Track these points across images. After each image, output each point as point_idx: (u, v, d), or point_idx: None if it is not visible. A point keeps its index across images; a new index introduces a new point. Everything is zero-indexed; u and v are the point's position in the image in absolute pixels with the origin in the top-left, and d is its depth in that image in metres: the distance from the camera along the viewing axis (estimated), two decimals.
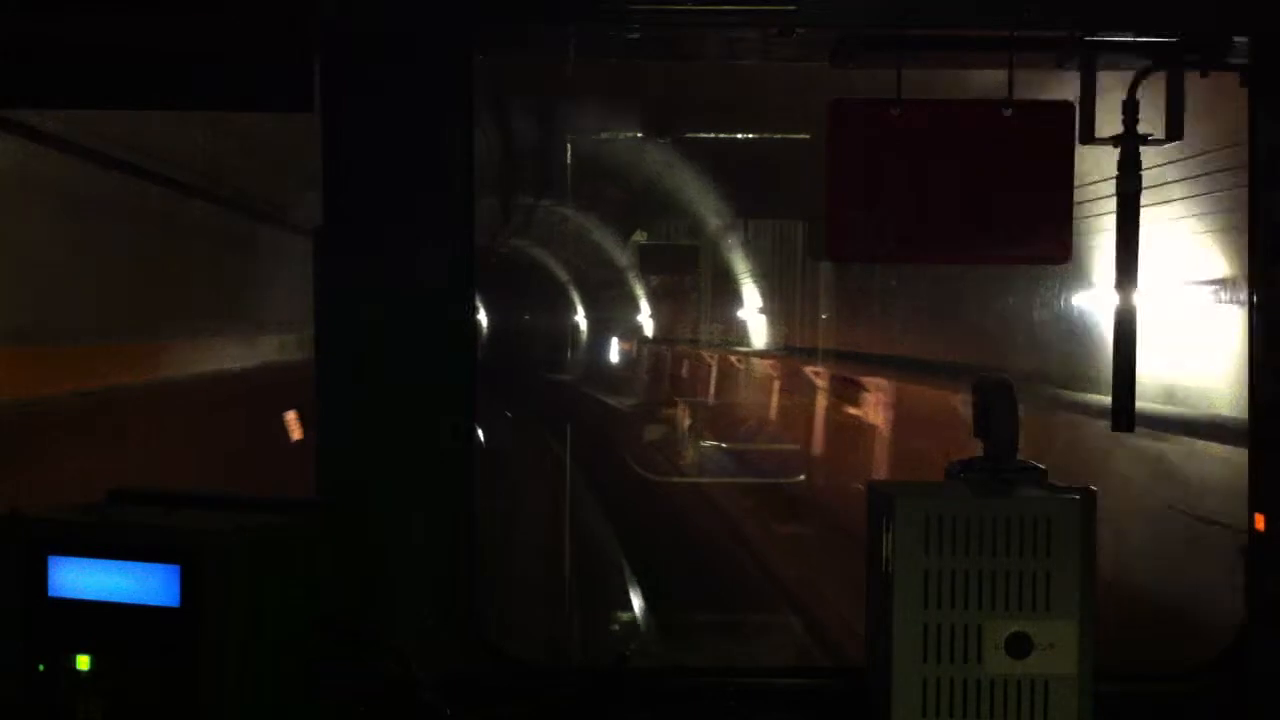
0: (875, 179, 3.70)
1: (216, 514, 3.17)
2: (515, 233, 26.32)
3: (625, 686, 3.83)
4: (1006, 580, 3.20)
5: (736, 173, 17.27)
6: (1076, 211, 3.73)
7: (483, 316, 31.04)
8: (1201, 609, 7.25)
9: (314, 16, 3.70)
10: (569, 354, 32.54)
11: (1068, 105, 3.73)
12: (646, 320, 28.13)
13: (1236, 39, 3.74)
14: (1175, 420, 8.52)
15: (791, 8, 3.65)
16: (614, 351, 30.85)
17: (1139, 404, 3.77)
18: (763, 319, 21.38)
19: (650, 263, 24.27)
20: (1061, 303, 10.85)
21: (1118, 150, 3.80)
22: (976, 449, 3.50)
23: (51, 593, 3.04)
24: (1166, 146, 3.84)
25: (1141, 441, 8.47)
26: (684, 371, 25.73)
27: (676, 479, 19.73)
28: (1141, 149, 3.80)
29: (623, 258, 26.11)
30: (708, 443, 20.91)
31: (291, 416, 12.47)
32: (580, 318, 32.14)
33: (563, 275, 31.05)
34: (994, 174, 3.69)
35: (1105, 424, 3.82)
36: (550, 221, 25.23)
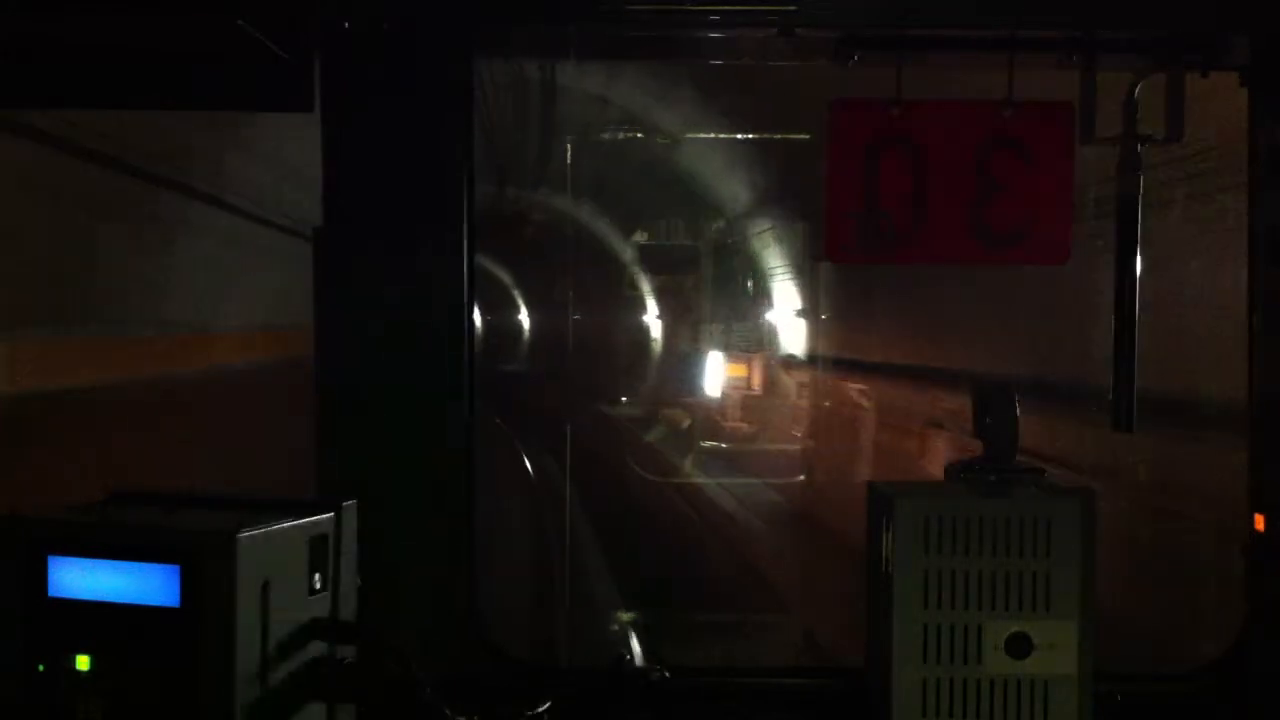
0: (875, 179, 3.70)
1: (216, 514, 3.17)
2: (553, 181, 17.16)
3: (625, 686, 3.83)
4: (1006, 580, 3.20)
5: None
6: None
7: (524, 318, 25.75)
8: None
9: (314, 16, 3.70)
10: (635, 379, 20.48)
11: (1068, 105, 3.73)
12: (791, 324, 14.73)
13: (1236, 39, 3.74)
14: None
15: (791, 8, 3.65)
16: (713, 380, 16.19)
17: None
18: None
19: (651, 264, 23.98)
20: None
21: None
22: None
23: (51, 593, 3.04)
24: None
25: None
26: None
27: None
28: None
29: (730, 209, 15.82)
30: None
31: None
32: (653, 317, 20.90)
33: (624, 250, 20.98)
34: (994, 174, 3.69)
35: None
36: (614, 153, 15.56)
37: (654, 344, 20.08)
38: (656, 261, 21.81)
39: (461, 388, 3.83)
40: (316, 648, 3.16)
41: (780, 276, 15.23)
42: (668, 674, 3.81)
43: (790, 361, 14.09)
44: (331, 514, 3.27)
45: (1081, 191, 3.83)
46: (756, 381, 13.64)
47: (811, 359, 13.55)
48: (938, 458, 10.22)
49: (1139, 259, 3.78)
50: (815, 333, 13.57)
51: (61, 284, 8.41)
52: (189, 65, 3.77)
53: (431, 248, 3.77)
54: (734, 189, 16.27)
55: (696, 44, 4.05)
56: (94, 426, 8.19)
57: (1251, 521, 3.82)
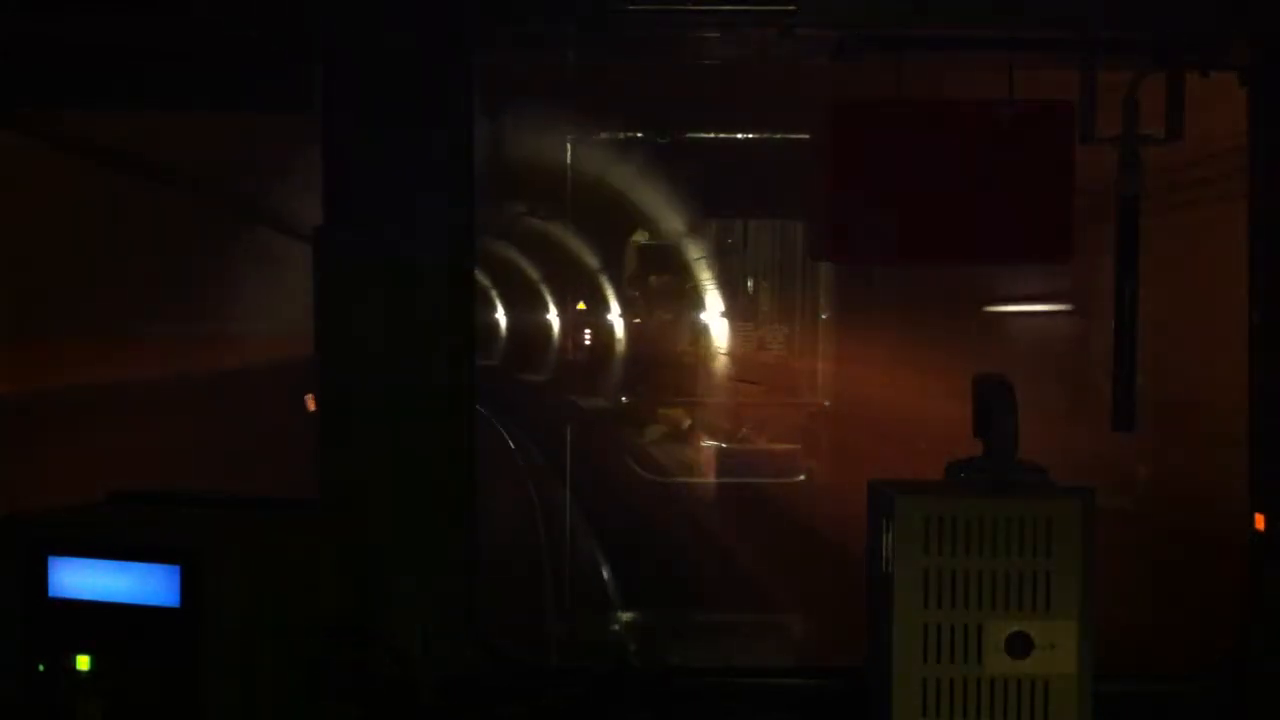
0: (875, 179, 3.70)
1: (216, 514, 3.17)
2: None
3: (625, 686, 3.83)
4: (1006, 580, 3.20)
5: None
6: None
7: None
8: None
9: (314, 16, 3.70)
10: None
11: (1068, 105, 3.73)
12: None
13: (1236, 39, 3.75)
14: None
15: (791, 8, 3.65)
16: None
17: None
18: None
19: (650, 264, 23.88)
20: None
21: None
22: None
23: (51, 593, 3.04)
24: None
25: None
26: None
27: None
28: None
29: None
30: None
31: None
32: None
33: None
34: (994, 174, 3.69)
35: None
36: None
37: None
38: (656, 262, 22.05)
39: (462, 388, 3.83)
40: (316, 648, 3.16)
41: None
42: (668, 674, 3.81)
43: None
44: (331, 514, 3.28)
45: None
46: None
47: None
48: None
49: (1139, 259, 3.78)
50: None
51: None
52: (189, 65, 3.77)
53: (431, 248, 3.77)
54: None
55: (697, 44, 4.05)
56: None
57: (1252, 521, 3.82)
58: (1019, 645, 3.20)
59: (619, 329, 26.13)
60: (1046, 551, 3.20)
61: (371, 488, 3.67)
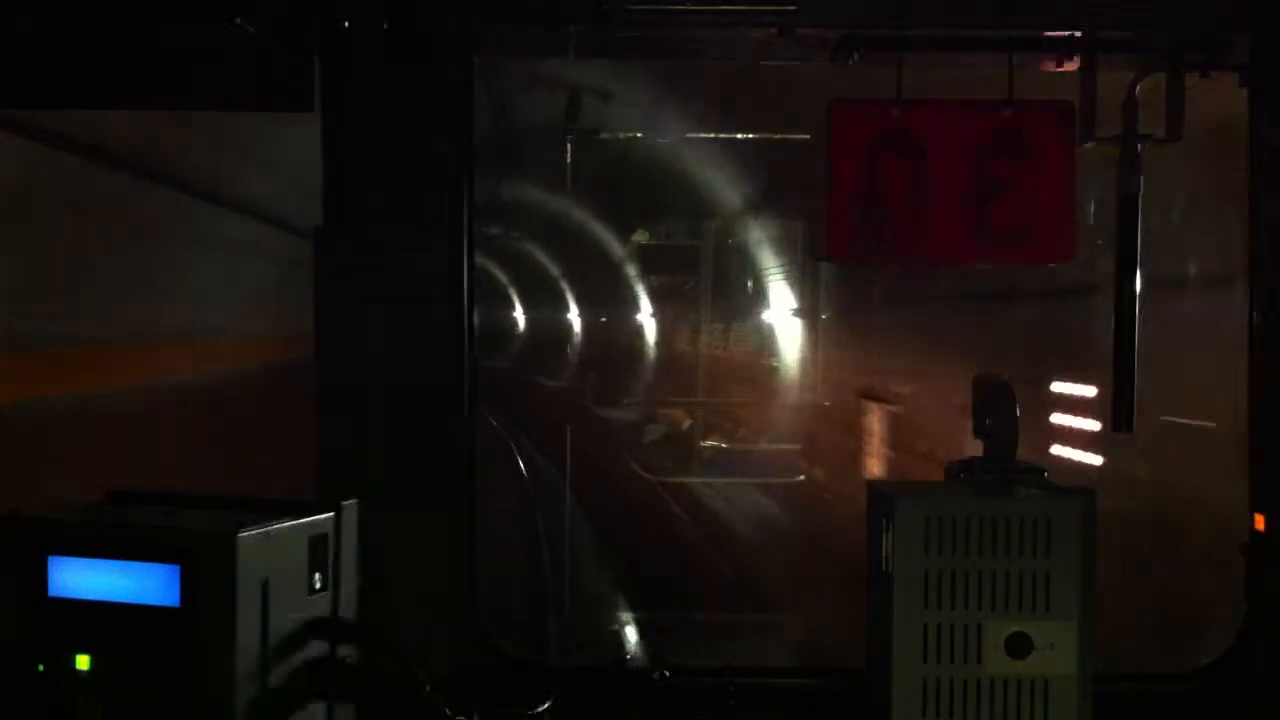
0: (875, 179, 3.70)
1: (216, 514, 3.17)
2: None
3: (625, 686, 3.83)
4: (1006, 580, 3.20)
5: None
6: None
7: None
8: None
9: (314, 16, 3.70)
10: None
11: (1068, 105, 3.73)
12: None
13: (1236, 39, 3.74)
14: None
15: (791, 8, 3.65)
16: None
17: None
18: None
19: (651, 264, 23.45)
20: None
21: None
22: None
23: (51, 593, 3.04)
24: None
25: None
26: None
27: None
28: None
29: None
30: None
31: None
32: None
33: None
34: (994, 174, 3.69)
35: None
36: None
37: None
38: (657, 262, 21.14)
39: (461, 387, 3.83)
40: (316, 648, 3.16)
41: None
42: (668, 674, 3.81)
43: None
44: (331, 514, 3.27)
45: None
46: None
47: None
48: None
49: (1139, 259, 3.78)
50: None
51: None
52: (189, 65, 3.77)
53: (431, 247, 3.77)
54: None
55: (696, 44, 4.05)
56: None
57: (1251, 521, 3.82)
58: (1019, 645, 3.20)
59: None
60: (1046, 551, 3.20)
61: (371, 487, 3.67)
